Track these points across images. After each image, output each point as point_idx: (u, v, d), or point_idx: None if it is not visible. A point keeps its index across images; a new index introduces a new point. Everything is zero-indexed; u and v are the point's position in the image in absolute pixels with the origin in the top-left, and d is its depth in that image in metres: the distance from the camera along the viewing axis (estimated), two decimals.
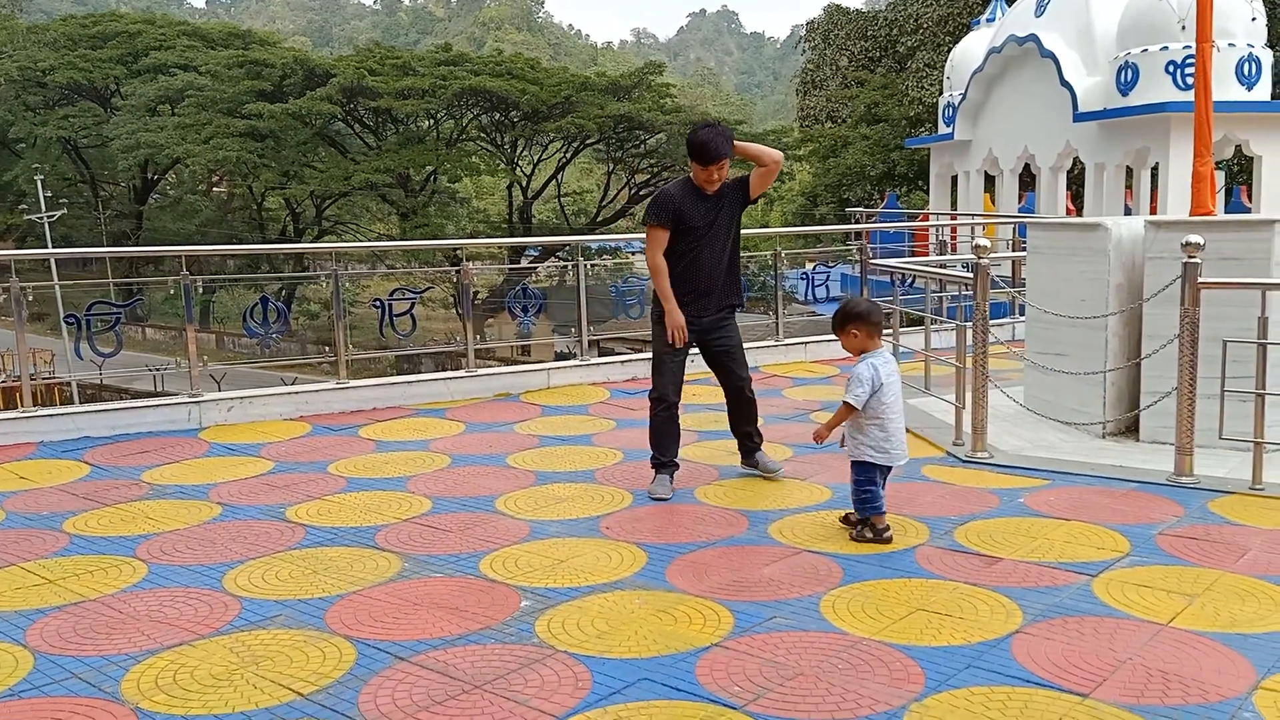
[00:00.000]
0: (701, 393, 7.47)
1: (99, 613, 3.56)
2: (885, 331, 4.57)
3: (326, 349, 7.44)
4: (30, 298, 6.32)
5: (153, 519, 4.65)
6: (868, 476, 4.24)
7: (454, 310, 32.61)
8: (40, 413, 6.18)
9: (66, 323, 6.70)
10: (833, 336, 9.42)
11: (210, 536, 4.42)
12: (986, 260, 5.52)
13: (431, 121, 39.88)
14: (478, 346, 8.18)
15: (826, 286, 9.39)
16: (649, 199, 5.12)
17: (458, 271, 8.63)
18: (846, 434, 4.33)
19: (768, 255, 10.79)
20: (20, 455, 5.80)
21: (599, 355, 9.21)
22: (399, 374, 17.05)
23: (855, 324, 4.29)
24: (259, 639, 3.34)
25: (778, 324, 9.08)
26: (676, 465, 5.11)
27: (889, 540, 4.18)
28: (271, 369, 22.72)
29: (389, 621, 3.48)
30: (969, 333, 5.61)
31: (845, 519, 4.42)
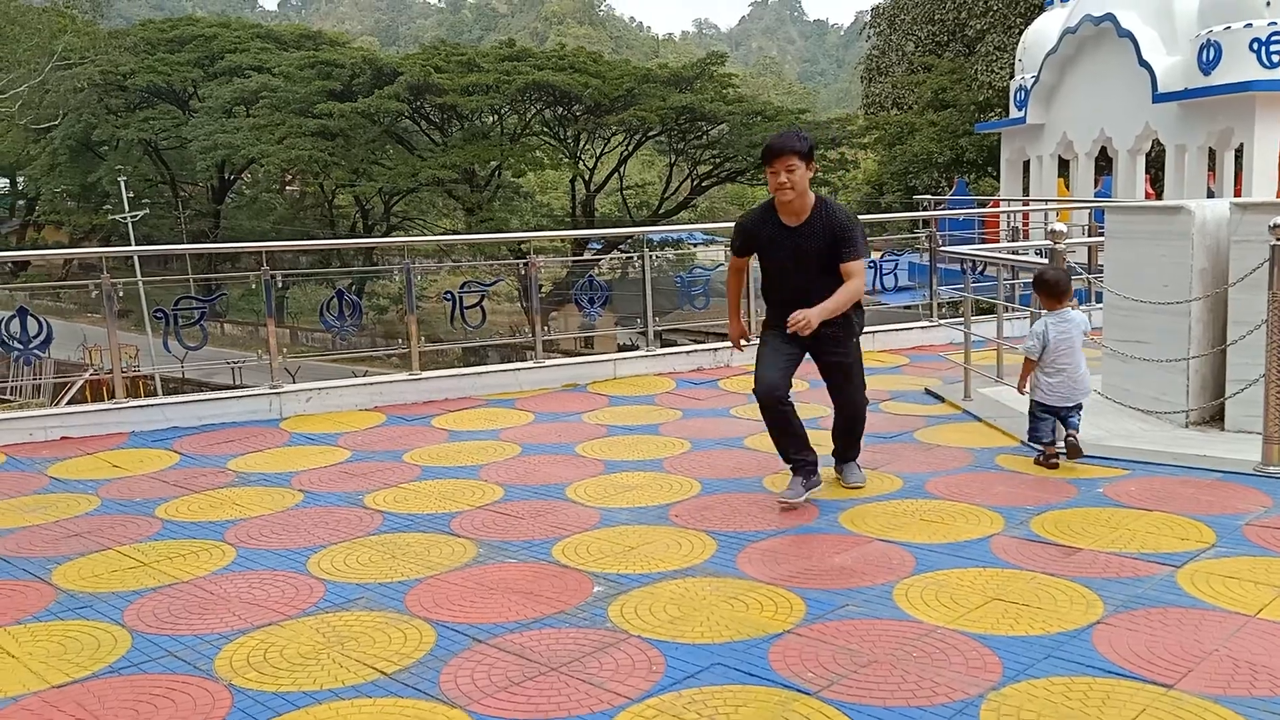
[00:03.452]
0: None
1: (192, 594, 3.70)
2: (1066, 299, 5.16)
3: (401, 341, 7.57)
4: (121, 294, 6.55)
5: (239, 505, 4.81)
6: (1038, 413, 5.11)
7: (518, 303, 32.90)
8: (131, 404, 6.42)
9: (155, 318, 6.93)
10: (900, 326, 9.37)
11: (294, 522, 4.55)
12: (1063, 245, 5.42)
13: (496, 117, 40.25)
14: (543, 339, 8.25)
15: (895, 275, 9.28)
16: None
17: (524, 264, 8.72)
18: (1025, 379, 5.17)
19: None
20: (113, 445, 6.03)
21: (661, 346, 9.22)
22: (465, 365, 17.28)
23: (1038, 290, 5.15)
24: (343, 620, 3.44)
25: None
26: (802, 463, 4.70)
27: (1053, 466, 5.02)
28: (343, 362, 23.17)
29: (466, 605, 3.55)
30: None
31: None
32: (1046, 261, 5.55)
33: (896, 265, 9.27)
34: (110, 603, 3.63)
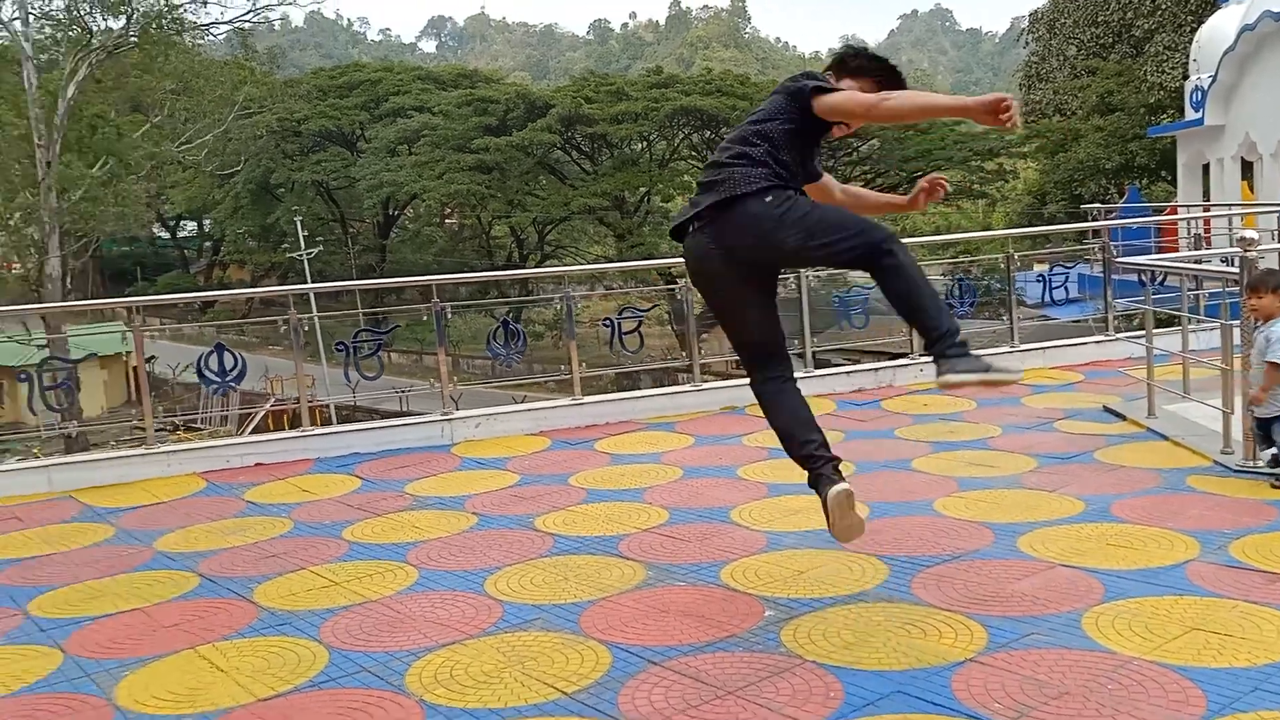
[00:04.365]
0: (933, 403, 7.28)
1: (380, 613, 3.88)
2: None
3: (563, 368, 7.77)
4: (307, 328, 6.98)
5: (418, 528, 5.02)
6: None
7: (668, 326, 33.15)
8: (315, 432, 6.81)
9: (336, 349, 7.34)
10: (1073, 341, 8.97)
11: (470, 544, 4.72)
12: (1254, 253, 5.09)
13: (645, 143, 40.86)
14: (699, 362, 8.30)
15: (1065, 288, 8.89)
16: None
17: (678, 288, 8.80)
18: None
19: (998, 259, 10.36)
20: (301, 470, 6.41)
21: (815, 367, 9.11)
22: (618, 390, 17.51)
23: (1265, 290, 4.84)
24: (521, 640, 3.54)
25: (1012, 329, 8.70)
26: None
27: None
28: (507, 388, 23.87)
29: (639, 627, 3.60)
30: (1235, 331, 5.18)
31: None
32: (1235, 270, 5.21)
33: (1067, 277, 8.89)
34: (307, 620, 3.86)
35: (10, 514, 5.75)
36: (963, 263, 13.21)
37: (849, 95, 3.46)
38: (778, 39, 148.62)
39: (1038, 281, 9.03)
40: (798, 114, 3.47)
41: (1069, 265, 9.26)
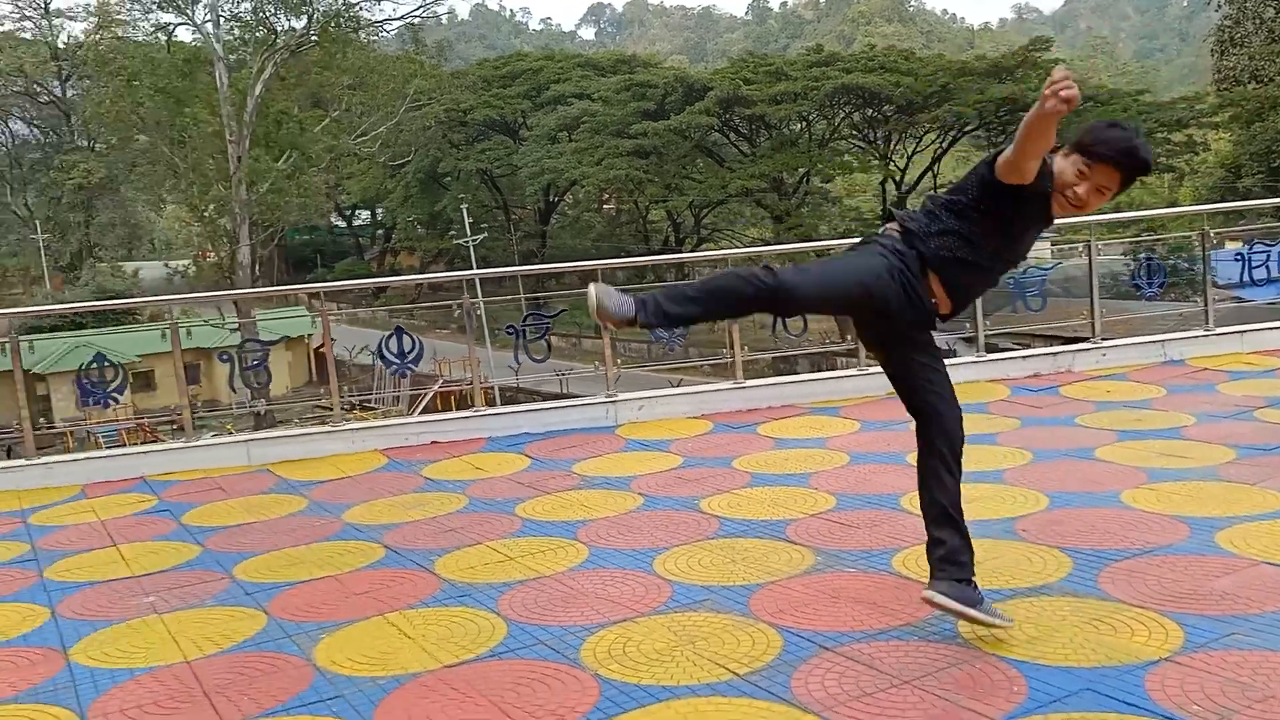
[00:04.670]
0: (1117, 389, 6.91)
1: (554, 588, 4.00)
2: None
3: (724, 351, 7.78)
4: (479, 312, 7.22)
5: (587, 506, 5.14)
6: None
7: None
8: (488, 412, 7.06)
9: (506, 332, 7.58)
10: (1275, 324, 8.32)
11: (636, 524, 4.79)
12: None
13: (804, 123, 40.30)
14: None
15: (1266, 267, 8.26)
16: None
17: None
18: None
19: (1191, 236, 9.72)
20: (474, 449, 6.65)
21: (987, 351, 8.79)
22: (774, 374, 17.36)
23: None
24: (691, 620, 3.58)
25: (1206, 311, 8.15)
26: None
27: None
28: (669, 371, 24.10)
29: (810, 612, 3.58)
30: None
31: None
32: None
33: (1268, 256, 8.26)
34: (485, 593, 4.01)
35: (214, 484, 6.21)
36: (1145, 241, 12.42)
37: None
38: (944, 11, 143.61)
39: (1235, 260, 8.41)
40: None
41: (1270, 243, 8.58)
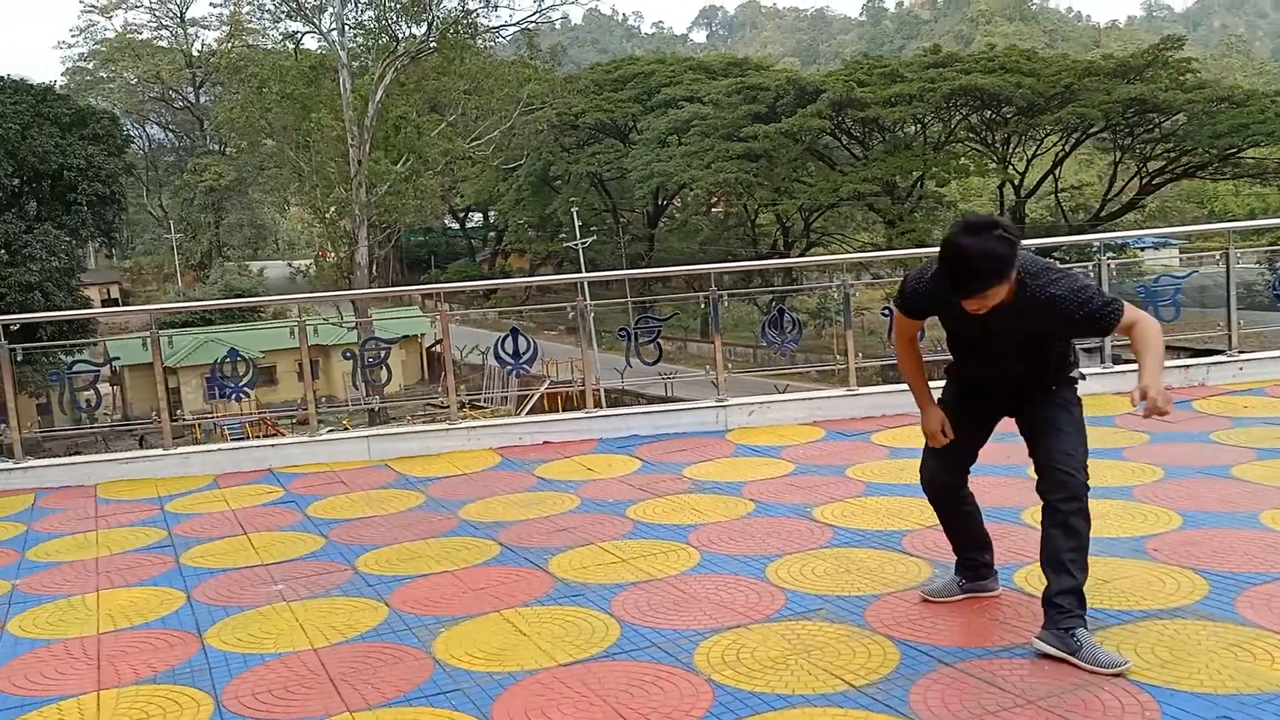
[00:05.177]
0: (1255, 405, 6.58)
1: (667, 591, 4.02)
2: None
3: (838, 357, 7.69)
4: (593, 314, 7.30)
5: (698, 510, 5.14)
6: None
7: None
8: (599, 414, 7.14)
9: (618, 335, 7.64)
10: None
11: (748, 530, 4.78)
12: None
13: (919, 126, 39.48)
14: None
15: None
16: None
17: None
18: None
19: None
20: (586, 450, 6.73)
21: (1113, 364, 8.46)
22: (884, 382, 17.05)
23: None
24: (806, 629, 3.55)
25: None
26: (969, 562, 3.74)
27: None
28: (780, 377, 23.94)
29: (928, 626, 3.51)
30: None
31: None
32: None
33: None
34: (599, 593, 4.05)
35: (336, 478, 6.43)
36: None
37: None
38: (1069, 9, 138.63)
39: None
40: None
41: None
